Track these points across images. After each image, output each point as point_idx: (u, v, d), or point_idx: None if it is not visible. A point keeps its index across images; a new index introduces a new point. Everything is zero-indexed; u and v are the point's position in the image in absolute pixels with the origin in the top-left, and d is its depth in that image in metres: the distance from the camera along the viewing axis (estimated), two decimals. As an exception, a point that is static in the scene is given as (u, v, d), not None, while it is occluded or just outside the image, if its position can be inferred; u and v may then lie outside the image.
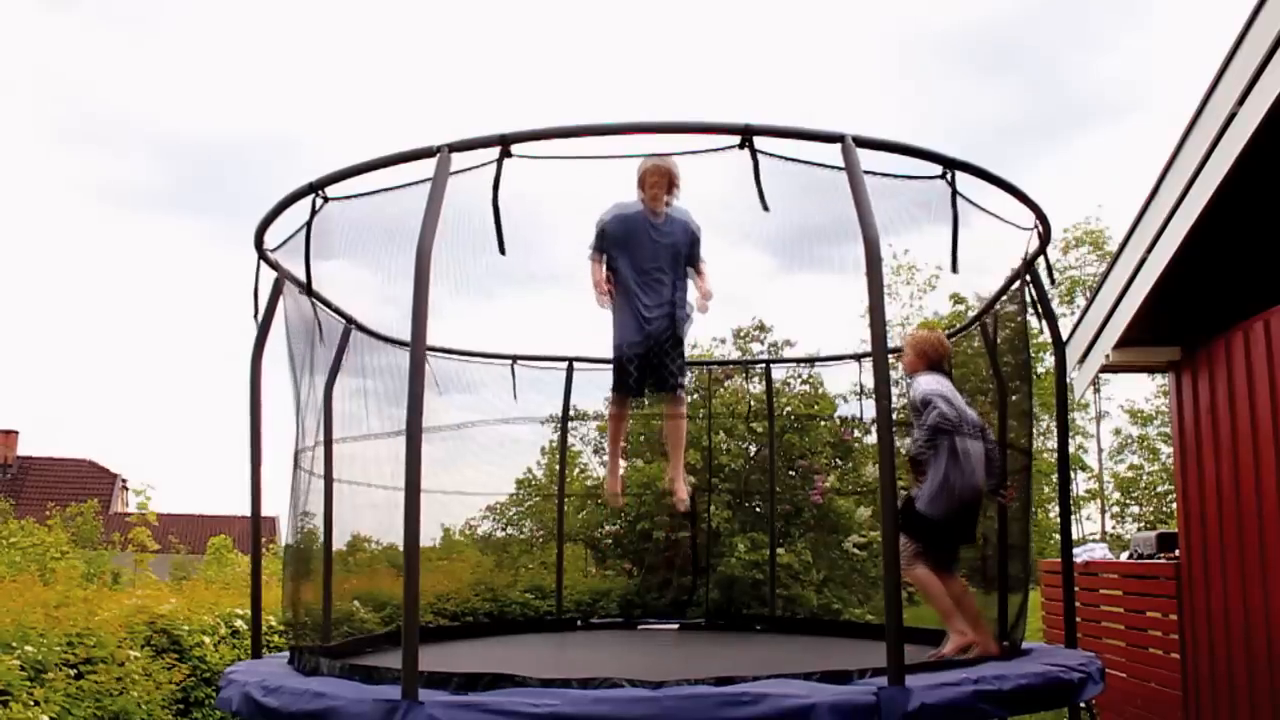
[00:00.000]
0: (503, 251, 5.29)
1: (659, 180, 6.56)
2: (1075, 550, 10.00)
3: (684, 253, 6.70)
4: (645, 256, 6.57)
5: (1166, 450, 27.38)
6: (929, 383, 6.11)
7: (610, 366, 6.80)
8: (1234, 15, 6.50)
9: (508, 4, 53.36)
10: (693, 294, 6.75)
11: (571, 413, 10.23)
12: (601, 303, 6.55)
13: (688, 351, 7.13)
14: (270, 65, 56.19)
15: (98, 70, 55.33)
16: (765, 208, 5.15)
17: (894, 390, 6.55)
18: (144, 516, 15.26)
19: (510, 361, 9.17)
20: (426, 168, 4.78)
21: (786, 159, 5.12)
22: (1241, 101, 6.47)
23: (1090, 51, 49.78)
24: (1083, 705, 5.93)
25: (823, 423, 14.32)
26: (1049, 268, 6.34)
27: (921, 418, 5.97)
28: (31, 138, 57.52)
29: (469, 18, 56.11)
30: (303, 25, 54.84)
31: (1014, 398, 6.71)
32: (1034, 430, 25.29)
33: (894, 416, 5.46)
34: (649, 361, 6.66)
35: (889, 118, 50.00)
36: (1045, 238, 6.13)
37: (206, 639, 8.63)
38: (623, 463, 7.67)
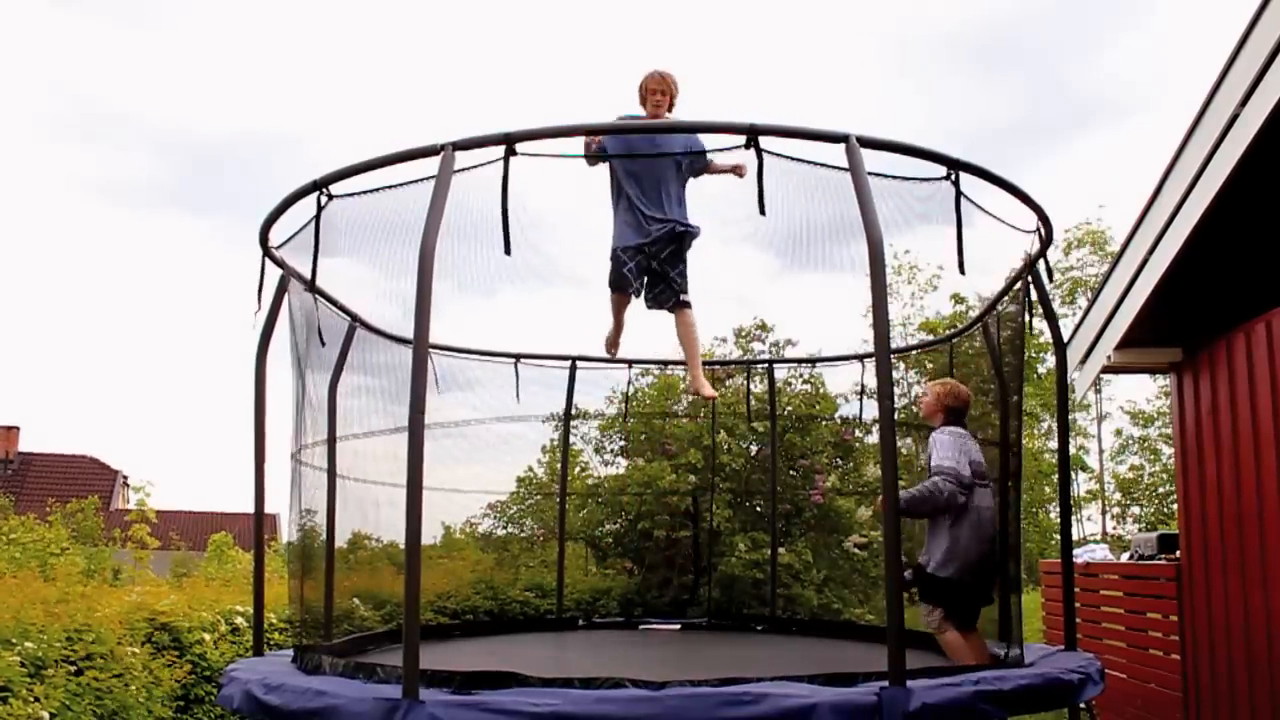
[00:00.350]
0: (508, 251, 5.28)
1: (661, 88, 6.60)
2: (1076, 551, 10.01)
3: (686, 162, 6.70)
4: (646, 166, 6.57)
5: (1168, 451, 27.38)
6: (945, 444, 6.14)
7: (609, 365, 6.80)
8: (1236, 15, 6.51)
9: (510, 3, 53.36)
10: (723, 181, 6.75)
11: (574, 411, 10.23)
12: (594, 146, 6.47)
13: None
14: (273, 62, 56.25)
15: (99, 66, 55.39)
16: (762, 211, 5.14)
17: (895, 391, 6.53)
18: (143, 513, 15.27)
19: (513, 360, 9.17)
20: (430, 166, 4.78)
21: (791, 159, 5.12)
22: (1244, 103, 6.47)
23: (1091, 51, 49.78)
24: (1082, 706, 5.93)
25: (824, 422, 14.31)
26: (1048, 268, 6.32)
27: (933, 475, 6.00)
28: (32, 134, 57.56)
29: (472, 16, 56.12)
30: (305, 22, 54.87)
31: (1014, 399, 6.70)
32: (1035, 431, 25.39)
33: (895, 416, 5.46)
34: (649, 271, 6.69)
35: (889, 117, 50.01)
36: (1047, 239, 6.12)
37: (207, 636, 8.64)
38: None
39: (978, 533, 5.99)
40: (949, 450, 6.09)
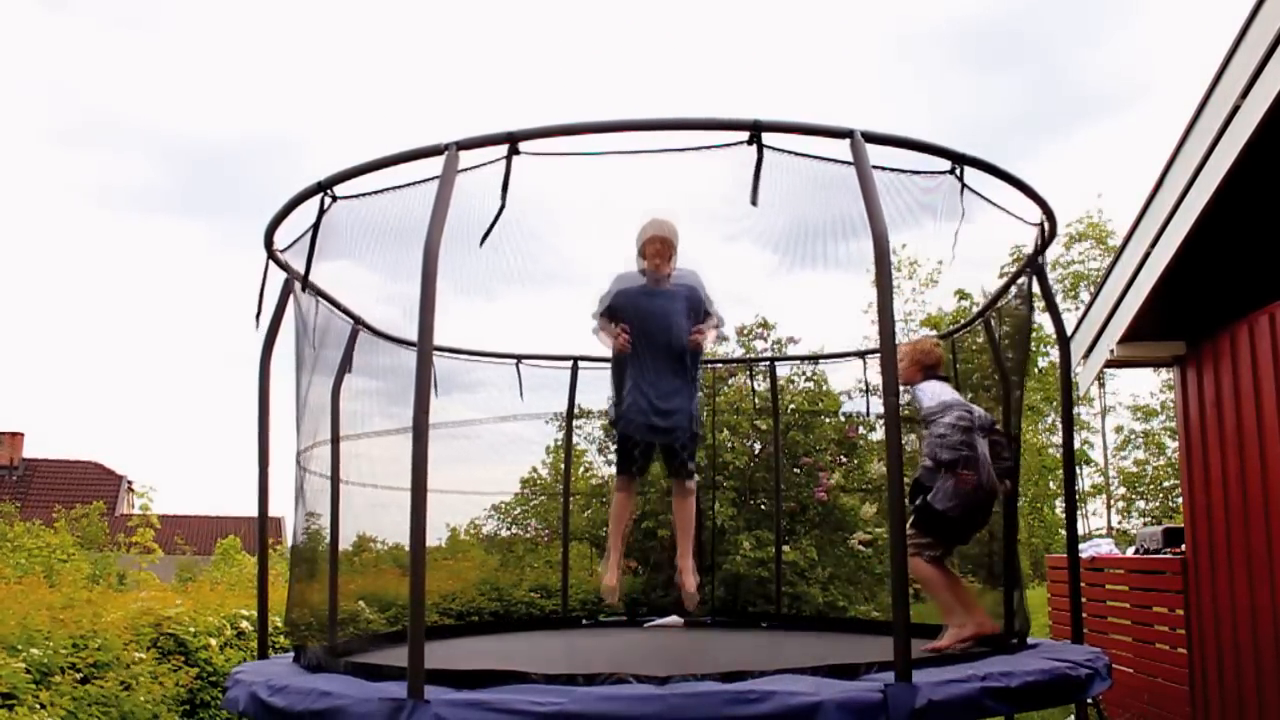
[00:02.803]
0: (481, 244, 5.24)
1: (661, 249, 6.41)
2: (1081, 546, 9.99)
3: (697, 310, 6.53)
4: (653, 332, 6.36)
5: (1172, 445, 27.37)
6: (936, 388, 6.12)
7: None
8: (1237, 5, 6.49)
9: (513, 2, 53.36)
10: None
11: (576, 411, 10.22)
12: (624, 347, 6.31)
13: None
14: (272, 65, 56.25)
15: (97, 71, 55.40)
16: (754, 202, 5.11)
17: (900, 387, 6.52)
18: (146, 518, 15.28)
19: (515, 361, 9.16)
20: (434, 166, 4.77)
21: (795, 154, 5.11)
22: (1245, 94, 6.46)
23: (1091, 44, 49.73)
24: (1090, 701, 5.92)
25: (827, 420, 14.31)
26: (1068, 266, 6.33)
27: (938, 422, 5.96)
28: (33, 140, 57.60)
29: (473, 16, 56.13)
30: (305, 25, 54.87)
31: (1016, 393, 6.69)
32: (1040, 425, 25.37)
33: (901, 413, 5.44)
34: (661, 448, 6.56)
35: (890, 111, 50.03)
36: (1051, 233, 6.12)
37: (212, 640, 8.64)
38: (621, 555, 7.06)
39: (981, 471, 5.95)
40: (935, 391, 6.09)
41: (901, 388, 6.42)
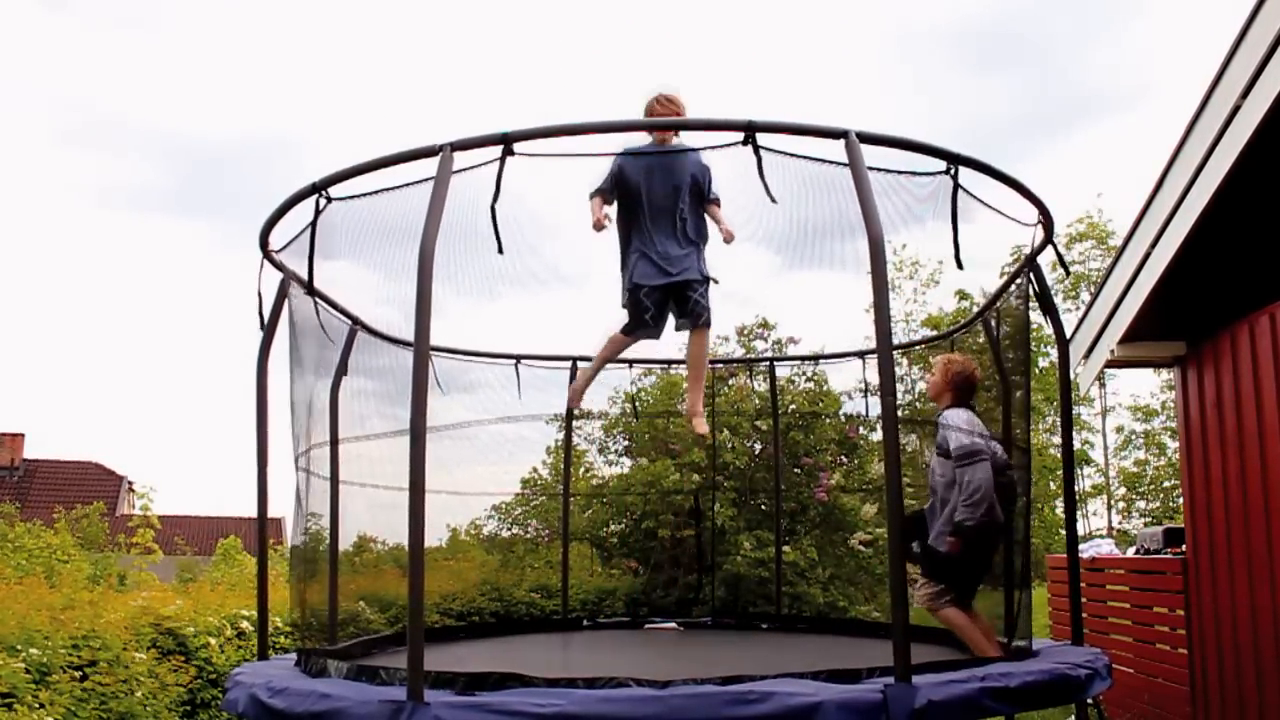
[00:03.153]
0: (500, 251, 5.28)
1: (668, 111, 6.39)
2: (1081, 546, 9.99)
3: (701, 185, 6.49)
4: (660, 193, 6.36)
5: (1173, 445, 27.35)
6: (967, 420, 6.06)
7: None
8: (1237, 6, 6.49)
9: (508, 3, 53.37)
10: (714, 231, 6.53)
11: (576, 412, 10.22)
12: (600, 223, 6.22)
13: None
14: (269, 66, 56.26)
15: (97, 71, 55.44)
16: (773, 200, 5.12)
17: (899, 387, 6.52)
18: (147, 519, 15.27)
19: (514, 361, 9.16)
20: (429, 167, 4.77)
21: (790, 155, 5.11)
22: (1246, 94, 6.46)
23: (1091, 43, 49.73)
24: (1090, 701, 5.91)
25: (827, 420, 14.30)
26: (1063, 262, 6.32)
27: (970, 469, 5.89)
28: (32, 139, 57.62)
29: (469, 17, 56.14)
30: (302, 25, 54.88)
31: (1017, 394, 6.69)
32: (1039, 426, 25.36)
33: (899, 414, 5.44)
34: (672, 298, 6.47)
35: (889, 112, 50.01)
36: (1048, 232, 6.11)
37: (212, 640, 8.64)
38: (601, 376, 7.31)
39: (990, 511, 5.93)
40: (967, 427, 6.01)
41: (933, 405, 6.40)
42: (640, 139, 6.54)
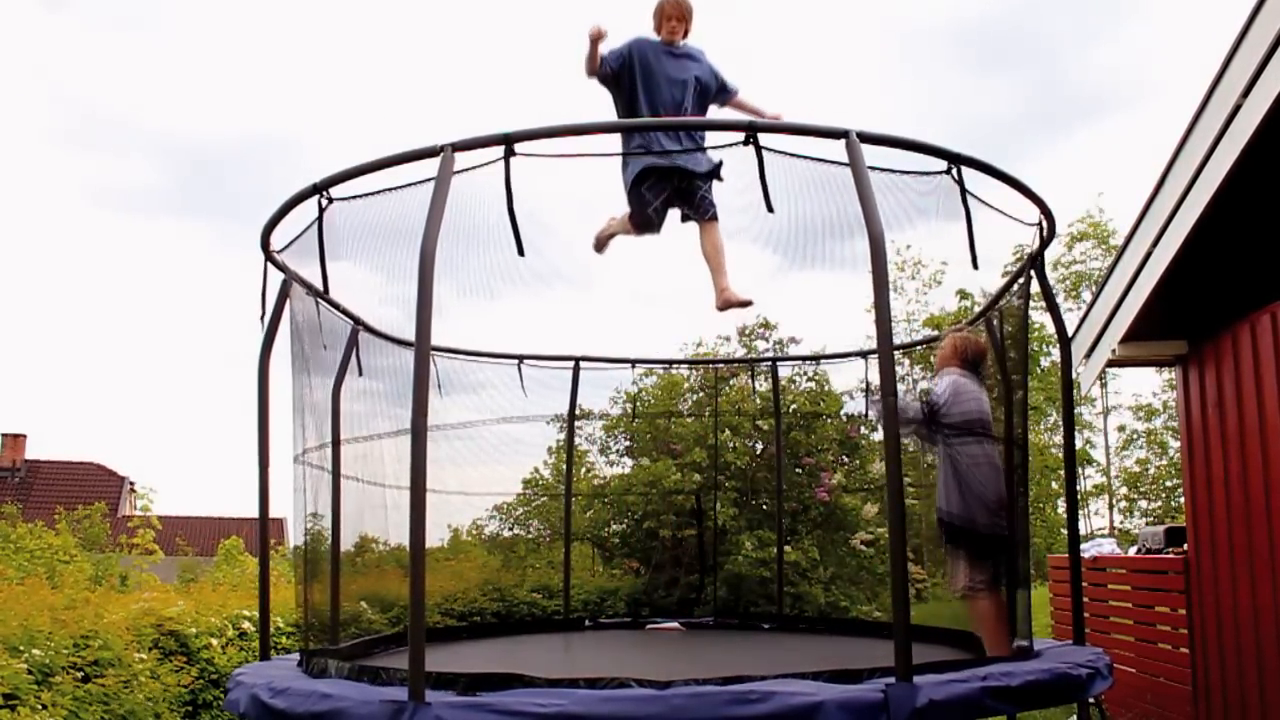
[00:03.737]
0: (521, 253, 5.28)
1: (678, 16, 6.34)
2: (1083, 545, 9.98)
3: (709, 85, 6.47)
4: (665, 91, 6.30)
5: (1175, 444, 27.34)
6: (957, 383, 6.13)
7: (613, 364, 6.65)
8: (1238, 4, 6.49)
9: (509, 4, 53.37)
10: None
11: (578, 412, 10.21)
12: (598, 34, 6.15)
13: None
14: (270, 65, 56.29)
15: (97, 71, 55.45)
16: (770, 208, 5.12)
17: (900, 387, 6.51)
18: (147, 519, 15.29)
19: (516, 361, 9.16)
20: (430, 168, 4.78)
21: (791, 155, 5.11)
22: (1247, 93, 6.46)
23: (1091, 43, 49.69)
24: (1092, 701, 5.91)
25: (829, 420, 14.30)
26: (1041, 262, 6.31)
27: (944, 406, 5.99)
28: (33, 141, 57.65)
29: (470, 17, 56.15)
30: (302, 25, 54.90)
31: (1019, 394, 6.68)
32: (1041, 426, 25.38)
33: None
34: (676, 193, 6.33)
35: (890, 111, 49.96)
36: (1049, 232, 6.11)
37: (214, 641, 8.64)
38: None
39: (986, 480, 5.94)
40: (942, 388, 6.13)
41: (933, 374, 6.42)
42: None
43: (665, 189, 6.32)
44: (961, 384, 6.20)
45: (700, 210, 6.34)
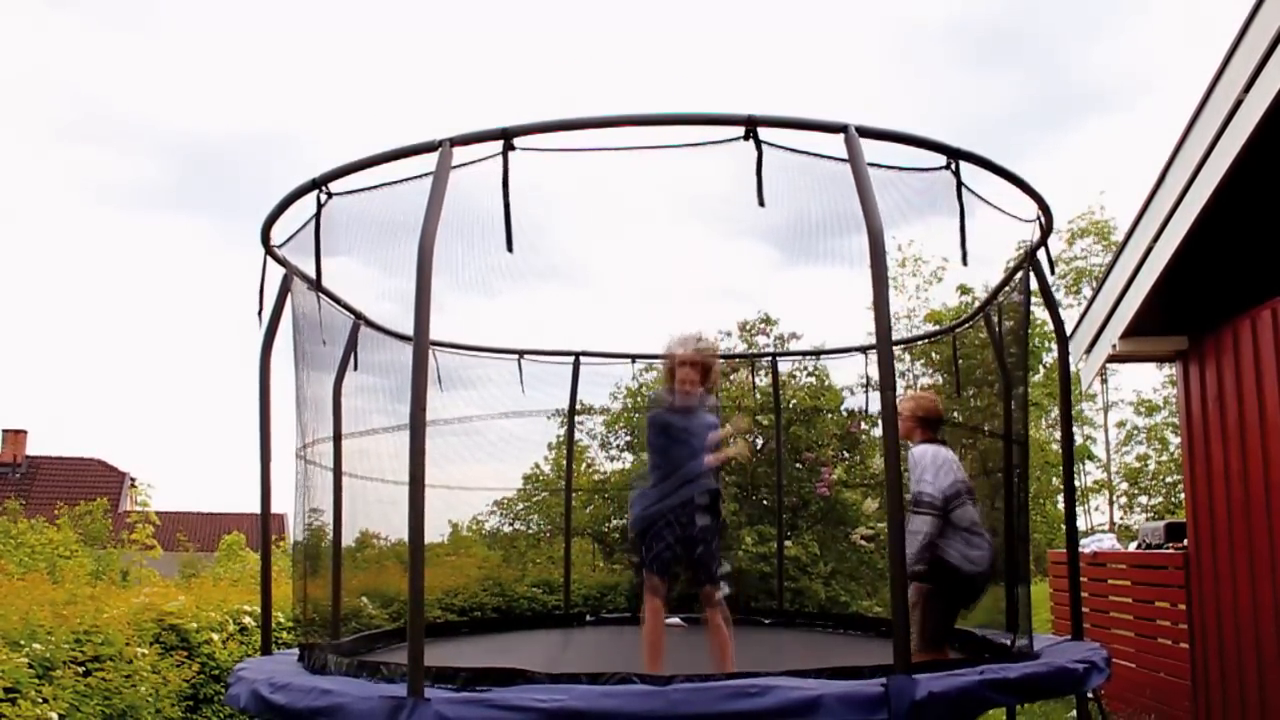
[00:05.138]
0: (510, 249, 5.26)
1: (692, 373, 5.82)
2: (1084, 541, 10.00)
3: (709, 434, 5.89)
4: (677, 455, 5.75)
5: (1175, 440, 27.34)
6: (929, 465, 6.02)
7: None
8: (1239, 1, 6.49)
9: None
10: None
11: (578, 407, 10.22)
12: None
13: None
14: (269, 62, 56.24)
15: (98, 67, 55.43)
16: (761, 203, 5.10)
17: (900, 382, 6.51)
18: (146, 515, 15.30)
19: (516, 356, 9.16)
20: (428, 162, 4.78)
21: (790, 150, 5.10)
22: (1248, 88, 6.45)
23: (1092, 38, 49.62)
24: (1090, 695, 5.92)
25: (829, 415, 14.31)
26: (1049, 259, 6.30)
27: (911, 520, 5.85)
28: (34, 137, 57.63)
29: (469, 13, 56.13)
30: (302, 22, 54.88)
31: (1019, 390, 6.69)
32: (1042, 422, 25.36)
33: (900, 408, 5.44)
34: (685, 549, 5.76)
35: (890, 106, 49.93)
36: (1048, 228, 6.11)
37: (215, 636, 8.65)
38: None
39: (966, 548, 5.94)
40: (930, 475, 5.97)
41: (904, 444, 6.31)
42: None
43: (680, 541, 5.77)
44: (940, 455, 6.11)
45: (707, 577, 5.86)
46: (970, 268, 5.76)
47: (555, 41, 52.57)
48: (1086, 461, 29.52)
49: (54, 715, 6.28)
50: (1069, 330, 8.26)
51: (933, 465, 6.03)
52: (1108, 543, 11.74)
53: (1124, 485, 30.26)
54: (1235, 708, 7.74)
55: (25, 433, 41.44)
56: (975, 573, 5.94)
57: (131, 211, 63.09)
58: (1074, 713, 8.39)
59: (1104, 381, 29.63)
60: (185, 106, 55.02)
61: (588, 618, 9.56)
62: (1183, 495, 9.83)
